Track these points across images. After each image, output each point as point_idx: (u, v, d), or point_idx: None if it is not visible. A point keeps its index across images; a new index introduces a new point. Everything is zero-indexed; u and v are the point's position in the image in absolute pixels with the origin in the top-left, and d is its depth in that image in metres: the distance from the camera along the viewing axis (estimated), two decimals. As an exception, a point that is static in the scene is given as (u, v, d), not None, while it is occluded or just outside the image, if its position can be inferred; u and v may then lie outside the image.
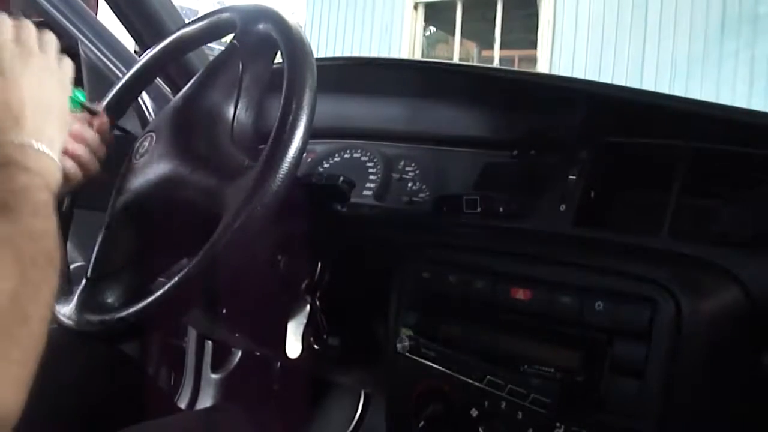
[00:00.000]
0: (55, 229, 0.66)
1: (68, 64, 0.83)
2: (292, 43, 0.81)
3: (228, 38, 0.93)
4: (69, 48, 0.83)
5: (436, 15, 9.36)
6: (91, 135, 0.90)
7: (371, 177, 1.21)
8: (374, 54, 8.99)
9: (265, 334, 1.15)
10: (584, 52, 7.65)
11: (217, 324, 1.31)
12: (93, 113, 0.91)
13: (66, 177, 0.81)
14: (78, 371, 0.92)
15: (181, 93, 0.93)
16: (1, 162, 0.68)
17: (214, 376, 1.58)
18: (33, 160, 0.69)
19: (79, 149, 0.88)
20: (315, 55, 0.81)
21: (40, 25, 0.85)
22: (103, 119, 0.93)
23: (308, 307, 0.97)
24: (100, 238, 0.91)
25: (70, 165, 0.86)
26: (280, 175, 0.72)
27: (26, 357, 0.53)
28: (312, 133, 0.76)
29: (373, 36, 9.14)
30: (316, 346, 0.99)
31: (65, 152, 0.80)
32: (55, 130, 0.75)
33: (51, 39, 0.81)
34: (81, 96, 0.89)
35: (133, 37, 1.39)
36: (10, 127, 0.70)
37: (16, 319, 0.53)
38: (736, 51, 6.71)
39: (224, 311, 1.13)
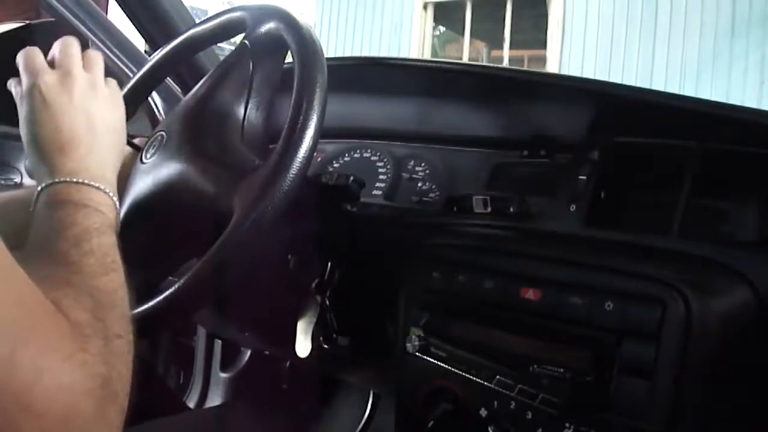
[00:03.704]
0: (124, 280, 0.61)
1: (114, 83, 0.79)
2: (303, 42, 0.80)
3: (238, 38, 0.93)
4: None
5: (446, 15, 9.35)
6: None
7: (381, 177, 1.21)
8: (384, 54, 8.98)
9: (275, 334, 1.15)
10: (594, 52, 7.64)
11: (226, 323, 1.31)
12: (136, 149, 0.91)
13: None
14: None
15: (191, 93, 0.93)
16: (56, 200, 0.63)
17: (223, 375, 1.58)
18: (87, 196, 0.65)
19: None
20: (325, 55, 0.81)
21: (51, 25, 0.85)
22: None
23: (318, 306, 0.98)
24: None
25: None
26: (291, 175, 0.72)
27: None
28: (322, 133, 0.76)
29: (383, 36, 9.15)
30: (325, 346, 0.99)
31: None
32: (109, 161, 0.72)
33: (96, 57, 0.77)
34: None
35: (143, 37, 1.39)
36: (60, 162, 0.66)
37: (108, 399, 0.50)
38: (746, 52, 6.68)
39: (234, 310, 1.14)
